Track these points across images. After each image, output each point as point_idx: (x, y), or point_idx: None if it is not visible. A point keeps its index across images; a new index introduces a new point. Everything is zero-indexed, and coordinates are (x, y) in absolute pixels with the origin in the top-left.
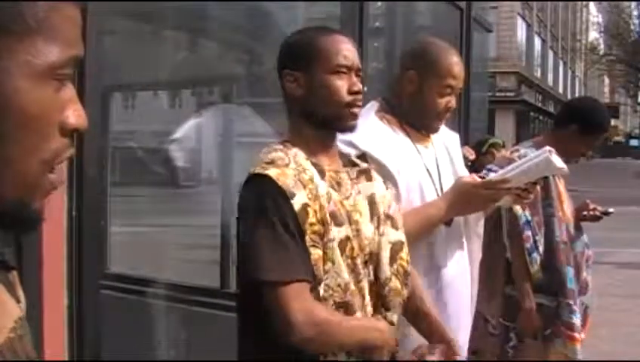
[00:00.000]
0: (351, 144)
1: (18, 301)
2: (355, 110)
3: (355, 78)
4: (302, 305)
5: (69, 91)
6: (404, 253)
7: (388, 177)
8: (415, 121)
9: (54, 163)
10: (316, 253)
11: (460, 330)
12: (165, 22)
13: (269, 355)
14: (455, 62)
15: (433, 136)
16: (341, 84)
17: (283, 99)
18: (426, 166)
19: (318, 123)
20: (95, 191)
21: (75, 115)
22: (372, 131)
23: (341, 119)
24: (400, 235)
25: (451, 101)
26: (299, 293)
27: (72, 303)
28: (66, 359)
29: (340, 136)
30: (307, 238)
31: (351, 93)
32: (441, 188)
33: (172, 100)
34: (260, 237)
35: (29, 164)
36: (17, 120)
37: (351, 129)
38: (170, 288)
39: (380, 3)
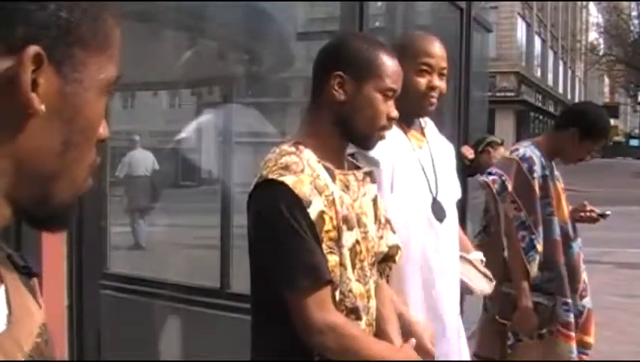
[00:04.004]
0: None
1: (40, 306)
2: (384, 134)
3: (393, 104)
4: (324, 314)
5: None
6: (397, 257)
7: (375, 166)
8: (404, 108)
9: (92, 169)
10: (333, 260)
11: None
12: (165, 22)
13: (287, 357)
14: (429, 40)
15: (430, 141)
16: (384, 108)
17: (312, 96)
18: (420, 163)
19: (346, 132)
20: (95, 191)
21: (104, 127)
22: None
23: (370, 139)
24: (397, 239)
25: (433, 80)
26: (321, 301)
27: (72, 303)
28: (66, 359)
29: None
30: (324, 246)
31: (389, 118)
32: (437, 187)
33: (172, 100)
34: (280, 247)
35: (80, 170)
36: (81, 129)
37: (371, 149)
38: (171, 288)
39: (380, 3)
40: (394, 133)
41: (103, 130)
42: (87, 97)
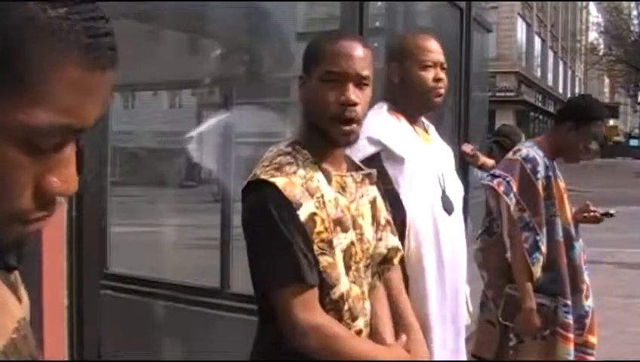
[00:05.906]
0: (369, 139)
1: (20, 301)
2: (346, 127)
3: (350, 88)
4: (307, 316)
5: (60, 156)
6: (396, 260)
7: (399, 163)
8: (411, 105)
9: (23, 219)
10: (325, 261)
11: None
12: (165, 22)
13: (280, 358)
14: (425, 38)
15: (434, 140)
16: (331, 95)
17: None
18: (432, 158)
19: (318, 131)
20: (95, 191)
21: (57, 182)
22: (386, 124)
23: (330, 132)
24: (397, 241)
25: (439, 74)
26: (305, 302)
27: (72, 303)
28: (66, 359)
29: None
30: (315, 246)
31: (341, 104)
32: (444, 182)
33: (172, 100)
34: (267, 246)
35: None
36: None
37: (344, 144)
38: (170, 288)
39: (379, 3)
40: (406, 129)
41: (54, 185)
42: None
